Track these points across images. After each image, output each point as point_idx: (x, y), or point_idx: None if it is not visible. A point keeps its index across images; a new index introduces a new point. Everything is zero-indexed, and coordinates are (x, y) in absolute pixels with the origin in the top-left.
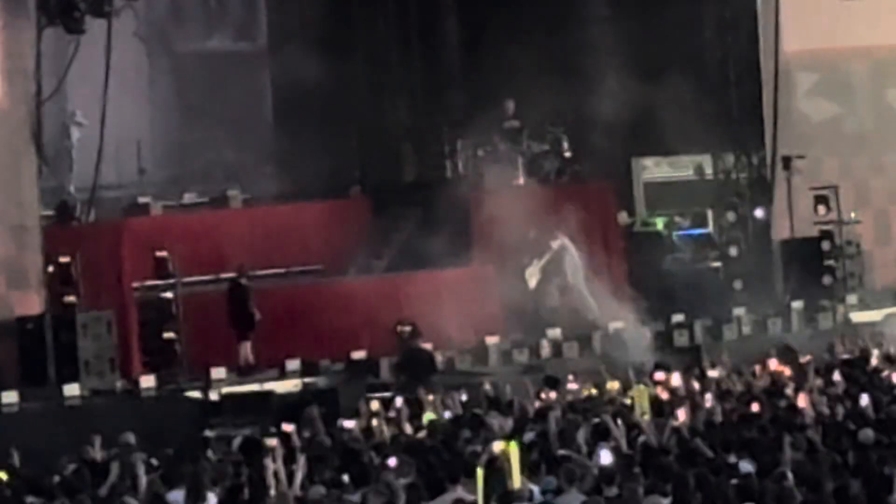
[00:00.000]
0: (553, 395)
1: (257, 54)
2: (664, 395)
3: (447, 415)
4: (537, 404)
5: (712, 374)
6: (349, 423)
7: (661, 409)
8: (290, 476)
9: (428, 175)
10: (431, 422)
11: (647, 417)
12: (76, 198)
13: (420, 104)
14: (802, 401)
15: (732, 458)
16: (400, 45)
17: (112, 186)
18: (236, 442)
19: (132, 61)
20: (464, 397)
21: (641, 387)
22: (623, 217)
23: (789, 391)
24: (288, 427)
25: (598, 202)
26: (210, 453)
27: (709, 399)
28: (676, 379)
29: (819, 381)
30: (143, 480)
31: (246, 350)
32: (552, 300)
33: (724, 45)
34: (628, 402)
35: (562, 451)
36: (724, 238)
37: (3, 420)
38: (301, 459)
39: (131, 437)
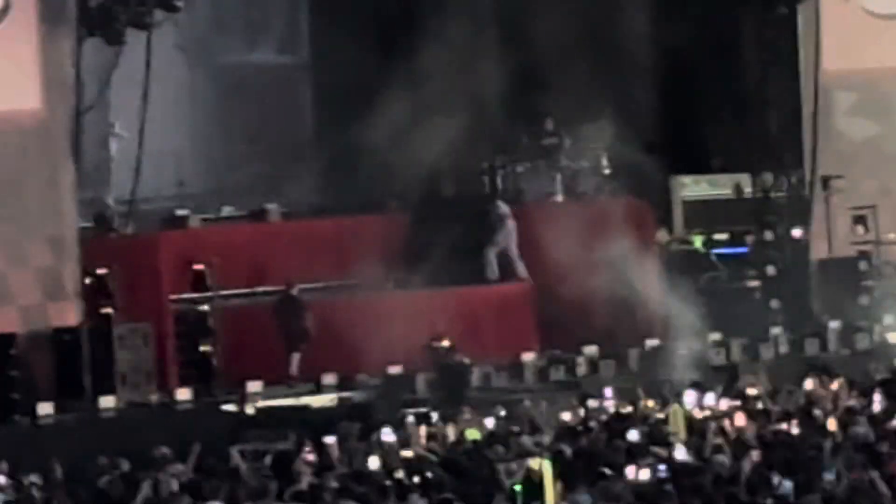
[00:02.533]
0: (589, 412)
1: (299, 67)
2: (700, 414)
3: (483, 431)
4: (573, 421)
5: (749, 393)
6: (388, 436)
7: (696, 428)
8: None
9: (466, 191)
10: (466, 438)
11: (682, 436)
12: (114, 209)
13: (459, 119)
14: (832, 424)
15: (769, 478)
16: (439, 58)
17: (150, 198)
18: (271, 456)
19: (173, 73)
20: (500, 414)
21: (676, 406)
22: (662, 235)
23: (824, 411)
24: (329, 440)
25: (637, 220)
26: (244, 467)
27: (743, 419)
28: (712, 398)
29: (856, 402)
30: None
31: (297, 361)
32: (492, 270)
33: (764, 63)
34: (664, 420)
35: (597, 469)
36: (761, 257)
37: (39, 432)
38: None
39: (166, 451)
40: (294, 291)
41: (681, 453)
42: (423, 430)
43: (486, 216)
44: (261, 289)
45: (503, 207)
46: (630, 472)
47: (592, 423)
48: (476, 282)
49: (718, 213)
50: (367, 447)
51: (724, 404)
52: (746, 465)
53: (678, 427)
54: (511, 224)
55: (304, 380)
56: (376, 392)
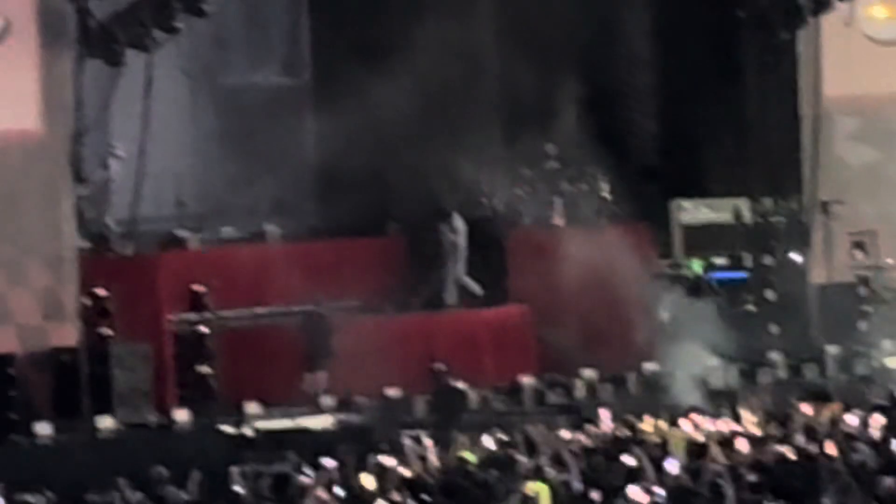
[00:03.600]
0: (586, 435)
1: (300, 89)
2: (698, 438)
3: (480, 454)
4: (570, 444)
5: (747, 417)
6: (387, 460)
7: (695, 452)
8: None
9: (465, 214)
10: (464, 461)
11: (680, 459)
12: (114, 230)
13: (459, 142)
14: (831, 447)
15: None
16: (440, 82)
17: (150, 219)
18: (268, 478)
19: (174, 94)
20: (497, 437)
21: (675, 429)
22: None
23: (822, 436)
24: (329, 463)
25: (636, 244)
26: (241, 489)
27: (743, 443)
28: (710, 422)
29: (854, 427)
30: None
31: (320, 381)
32: (450, 294)
33: (765, 88)
34: (661, 443)
35: (594, 492)
36: (760, 282)
37: (36, 451)
38: None
39: (163, 471)
40: (321, 310)
41: (673, 466)
42: (420, 452)
43: (440, 233)
44: (260, 310)
45: (458, 222)
46: (629, 494)
47: (590, 446)
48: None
49: (718, 238)
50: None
51: (723, 428)
52: (744, 490)
53: (677, 450)
54: (463, 241)
55: (296, 402)
56: (374, 414)
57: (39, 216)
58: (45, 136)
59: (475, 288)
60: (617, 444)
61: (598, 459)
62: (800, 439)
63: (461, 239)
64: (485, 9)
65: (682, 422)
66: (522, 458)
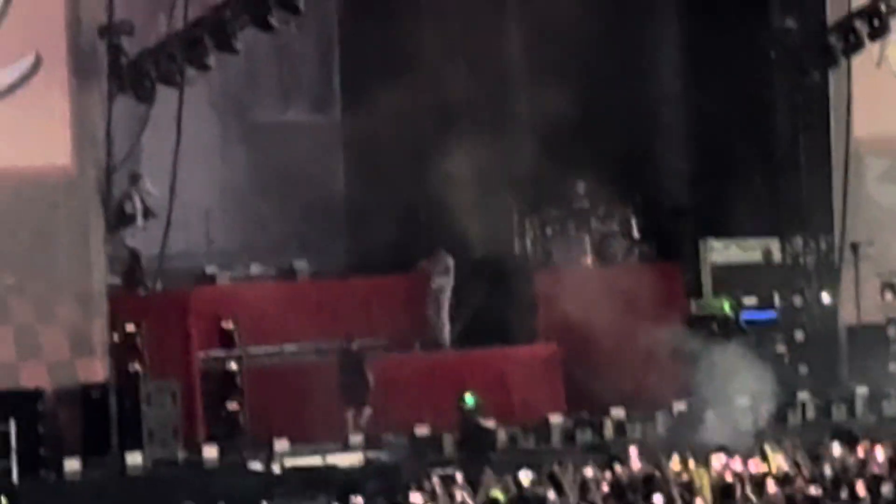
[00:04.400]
0: (615, 474)
1: (330, 126)
2: (727, 478)
3: (508, 493)
4: (600, 484)
5: (775, 457)
6: (415, 497)
7: (723, 492)
8: None
9: (495, 252)
10: (493, 500)
11: (707, 499)
12: (143, 266)
13: (489, 181)
14: (861, 488)
15: None
16: (470, 121)
17: (180, 255)
18: None
19: (205, 130)
20: (526, 475)
21: (702, 469)
22: None
23: (851, 476)
24: (357, 501)
25: (666, 283)
26: None
27: (771, 483)
28: (739, 462)
29: (883, 468)
30: None
31: (362, 417)
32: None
33: (796, 128)
34: (689, 483)
35: None
36: (790, 322)
37: (65, 488)
38: None
39: None
40: (353, 346)
41: None
42: (449, 490)
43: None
44: (289, 347)
45: (448, 261)
46: None
47: (618, 486)
48: (503, 342)
49: (748, 278)
50: None
51: (752, 469)
52: None
53: (704, 490)
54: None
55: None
56: (403, 452)
57: (69, 252)
58: (75, 172)
59: (446, 336)
60: (646, 484)
61: (626, 499)
62: (828, 479)
63: (450, 280)
64: (515, 48)
65: (710, 461)
66: (551, 497)
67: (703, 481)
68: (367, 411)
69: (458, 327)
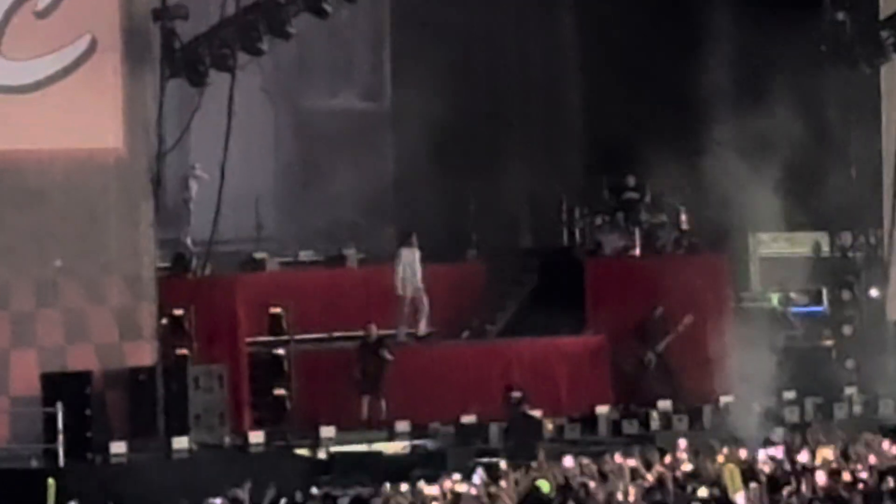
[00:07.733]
0: (660, 467)
1: (381, 115)
2: (773, 472)
3: (554, 483)
4: (645, 476)
5: (821, 451)
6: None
7: (770, 485)
8: None
9: (544, 242)
10: (538, 489)
11: (740, 493)
12: (192, 250)
13: (539, 171)
14: None
15: None
16: (521, 111)
17: (229, 241)
18: (344, 501)
19: (256, 116)
20: (572, 466)
21: (731, 465)
22: None
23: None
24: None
25: (713, 275)
26: None
27: (819, 476)
28: (785, 455)
29: None
30: None
31: (377, 405)
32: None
33: (847, 122)
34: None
35: None
36: (838, 316)
37: (111, 470)
38: None
39: (240, 493)
40: (372, 336)
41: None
42: (494, 479)
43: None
44: (336, 333)
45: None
46: None
47: (665, 479)
48: (551, 333)
49: (796, 271)
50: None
51: (798, 462)
52: None
53: (735, 484)
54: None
55: (376, 426)
56: (449, 440)
57: (119, 235)
58: (126, 155)
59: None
60: (691, 477)
61: (673, 492)
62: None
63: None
64: (567, 38)
65: (756, 455)
66: (597, 488)
67: (734, 476)
68: (372, 400)
69: (506, 317)
